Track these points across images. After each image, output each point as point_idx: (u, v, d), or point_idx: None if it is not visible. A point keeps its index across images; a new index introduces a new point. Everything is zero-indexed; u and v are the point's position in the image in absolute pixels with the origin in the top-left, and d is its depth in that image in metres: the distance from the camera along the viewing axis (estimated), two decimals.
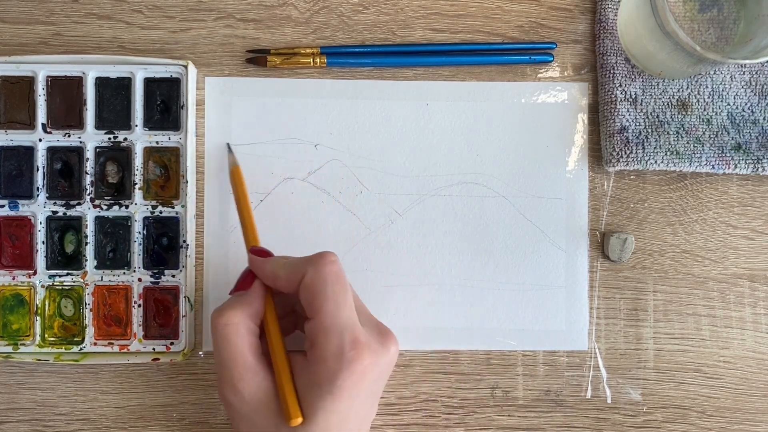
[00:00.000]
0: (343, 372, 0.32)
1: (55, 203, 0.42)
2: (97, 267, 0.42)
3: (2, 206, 0.42)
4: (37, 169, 0.42)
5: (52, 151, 0.42)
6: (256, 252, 0.37)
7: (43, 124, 0.42)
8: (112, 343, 0.42)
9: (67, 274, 0.42)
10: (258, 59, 0.43)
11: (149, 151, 0.42)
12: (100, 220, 0.42)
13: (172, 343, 0.42)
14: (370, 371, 0.33)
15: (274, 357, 0.34)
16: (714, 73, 0.43)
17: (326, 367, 0.32)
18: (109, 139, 0.42)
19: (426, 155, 0.44)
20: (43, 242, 0.42)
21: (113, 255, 0.42)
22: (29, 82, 0.42)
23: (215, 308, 0.35)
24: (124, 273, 0.42)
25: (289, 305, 0.38)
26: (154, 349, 0.41)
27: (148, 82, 0.42)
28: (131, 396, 0.42)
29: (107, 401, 0.42)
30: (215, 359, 0.35)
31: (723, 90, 0.43)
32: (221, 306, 0.35)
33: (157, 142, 0.42)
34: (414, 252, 0.43)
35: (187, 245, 0.42)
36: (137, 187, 0.42)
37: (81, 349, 0.41)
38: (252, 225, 0.39)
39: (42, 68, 0.42)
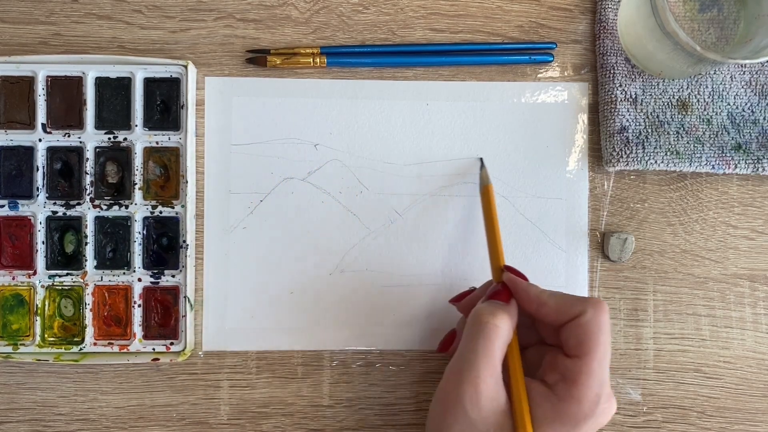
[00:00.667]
0: (590, 419, 0.33)
1: (55, 203, 0.42)
2: (97, 267, 0.42)
3: (2, 206, 0.42)
4: (37, 169, 0.42)
5: (52, 151, 0.42)
6: (513, 271, 0.38)
7: (43, 124, 0.42)
8: (112, 343, 0.42)
9: (67, 274, 0.42)
10: (258, 59, 0.43)
11: (149, 151, 0.42)
12: (100, 220, 0.42)
13: (172, 343, 0.42)
14: (603, 425, 0.34)
15: (515, 378, 0.34)
16: (714, 73, 0.43)
17: (578, 409, 0.33)
18: (109, 139, 0.42)
19: (426, 155, 0.44)
20: (43, 242, 0.42)
21: (113, 255, 0.42)
22: (29, 82, 0.42)
23: (482, 305, 0.36)
24: (124, 273, 0.42)
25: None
26: (154, 349, 0.41)
27: (148, 82, 0.42)
28: (131, 396, 0.42)
29: (107, 401, 0.42)
30: (464, 353, 0.34)
31: (723, 90, 0.43)
32: (490, 306, 0.35)
33: (157, 142, 0.42)
34: (414, 252, 0.43)
35: (187, 245, 0.42)
36: (137, 187, 0.42)
37: (81, 349, 0.41)
38: (500, 242, 0.39)
39: (42, 68, 0.42)
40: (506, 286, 0.37)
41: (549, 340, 0.37)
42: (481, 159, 0.43)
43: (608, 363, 0.34)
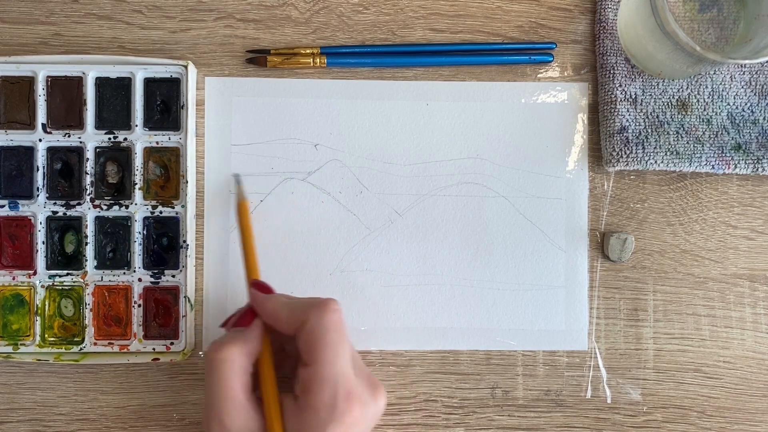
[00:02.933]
0: (332, 423, 0.32)
1: (55, 203, 0.42)
2: (97, 267, 0.42)
3: (2, 206, 0.42)
4: (37, 169, 0.42)
5: (52, 151, 0.42)
6: (257, 286, 0.37)
7: (43, 124, 0.42)
8: (112, 343, 0.42)
9: (67, 274, 0.42)
10: (258, 59, 0.43)
11: (149, 151, 0.42)
12: (100, 220, 0.42)
13: (172, 343, 0.42)
14: (359, 423, 0.33)
15: (267, 398, 0.34)
16: (714, 73, 0.43)
17: (317, 417, 0.32)
18: (109, 139, 0.42)
19: (426, 155, 0.44)
20: (43, 242, 0.42)
21: (113, 255, 0.42)
22: (29, 82, 0.42)
23: (213, 342, 0.35)
24: (124, 273, 0.42)
25: (279, 342, 0.37)
26: (154, 349, 0.41)
27: (148, 82, 0.42)
28: (131, 396, 0.42)
29: (107, 401, 0.42)
30: (205, 392, 0.34)
31: (723, 90, 0.43)
32: (219, 340, 0.35)
33: (157, 142, 0.42)
34: (414, 252, 0.43)
35: (187, 245, 0.42)
36: (137, 187, 0.42)
37: (81, 349, 0.41)
38: (254, 258, 0.39)
39: (42, 68, 0.42)
40: (251, 307, 0.37)
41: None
42: (237, 175, 0.43)
43: (345, 361, 0.33)
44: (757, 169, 0.42)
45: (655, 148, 0.42)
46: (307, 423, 0.32)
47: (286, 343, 0.37)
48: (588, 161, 0.44)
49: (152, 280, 0.42)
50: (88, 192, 0.42)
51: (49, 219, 0.42)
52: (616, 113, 0.43)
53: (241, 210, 0.41)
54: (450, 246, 0.43)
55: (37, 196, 0.42)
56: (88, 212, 0.42)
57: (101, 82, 0.42)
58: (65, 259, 0.42)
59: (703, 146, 0.42)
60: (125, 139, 0.42)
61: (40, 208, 0.42)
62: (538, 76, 0.44)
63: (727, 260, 0.44)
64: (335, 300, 0.35)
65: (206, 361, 0.34)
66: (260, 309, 0.36)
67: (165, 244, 0.42)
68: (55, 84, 0.42)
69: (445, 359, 0.43)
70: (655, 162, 0.42)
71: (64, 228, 0.42)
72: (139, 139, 0.42)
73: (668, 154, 0.42)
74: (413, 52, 0.43)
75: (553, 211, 0.44)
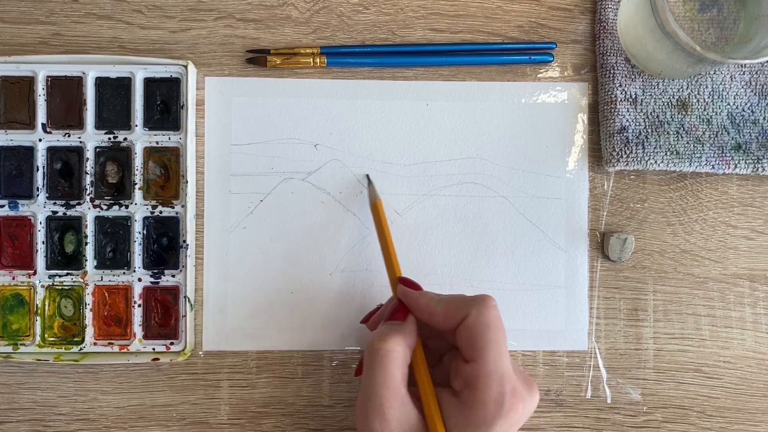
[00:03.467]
0: (500, 419, 0.32)
1: (55, 203, 0.42)
2: (97, 267, 0.42)
3: (2, 206, 0.42)
4: (37, 169, 0.42)
5: (52, 151, 0.42)
6: (406, 282, 0.37)
7: (43, 124, 0.42)
8: (112, 343, 0.42)
9: (67, 274, 0.42)
10: (258, 59, 0.43)
11: (149, 151, 0.42)
12: (100, 220, 0.42)
13: (172, 343, 0.42)
14: (521, 418, 0.33)
15: (424, 392, 0.34)
16: (714, 73, 0.43)
17: (485, 412, 0.32)
18: (109, 139, 0.42)
19: (426, 155, 0.44)
20: (43, 242, 0.42)
21: (113, 255, 0.42)
22: (29, 82, 0.42)
23: (376, 332, 0.35)
24: (124, 273, 0.42)
25: (422, 338, 0.37)
26: (154, 349, 0.41)
27: (148, 82, 0.42)
28: (131, 396, 0.42)
29: (107, 401, 0.42)
30: (366, 383, 0.34)
31: (723, 90, 0.43)
32: (382, 331, 0.35)
33: (157, 142, 0.42)
34: (414, 252, 0.43)
35: (187, 245, 0.42)
36: (137, 187, 0.42)
37: (81, 349, 0.41)
38: (395, 256, 0.39)
39: (42, 68, 0.42)
40: (402, 302, 0.37)
41: (455, 345, 0.36)
42: (368, 176, 0.43)
43: (506, 357, 0.33)
44: (757, 169, 0.42)
45: (655, 148, 0.42)
46: (473, 418, 0.33)
47: (428, 339, 0.37)
48: (588, 161, 0.44)
49: (152, 280, 0.42)
50: (88, 192, 0.42)
51: (49, 219, 0.42)
52: (616, 113, 0.43)
53: (377, 209, 0.41)
54: (450, 246, 0.43)
55: (37, 196, 0.42)
56: (88, 212, 0.42)
57: (101, 82, 0.42)
58: (65, 259, 0.42)
59: (703, 146, 0.42)
60: (125, 139, 0.42)
61: (40, 208, 0.42)
62: (538, 76, 0.44)
63: (727, 260, 0.44)
64: (491, 296, 0.35)
65: (370, 352, 0.34)
66: (413, 305, 0.36)
67: (165, 244, 0.42)
68: (55, 84, 0.42)
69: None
70: (655, 162, 0.42)
71: (64, 228, 0.42)
72: (139, 139, 0.42)
73: (668, 154, 0.42)
74: (413, 52, 0.43)
75: (553, 211, 0.44)
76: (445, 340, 0.37)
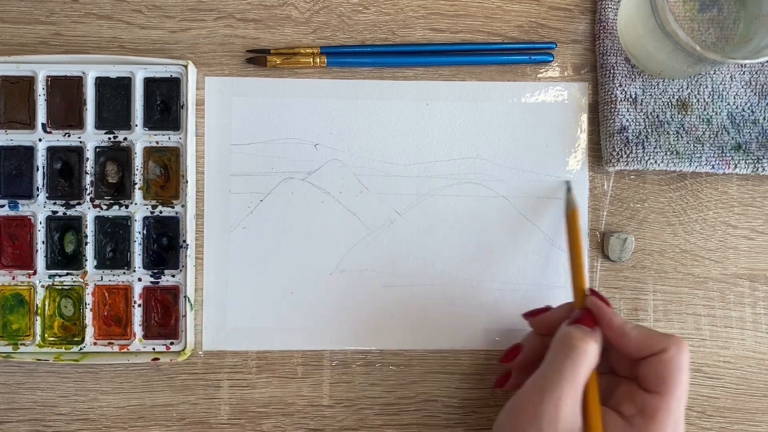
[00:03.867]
0: None
1: (55, 203, 0.42)
2: (97, 267, 0.42)
3: (2, 206, 0.42)
4: (37, 169, 0.42)
5: (52, 151, 0.42)
6: (598, 296, 0.38)
7: (43, 124, 0.42)
8: (112, 343, 0.42)
9: (67, 274, 0.42)
10: (258, 59, 0.43)
11: (149, 151, 0.42)
12: (100, 220, 0.42)
13: (172, 343, 0.42)
14: None
15: (592, 406, 0.34)
16: (714, 73, 0.43)
17: None
18: (109, 139, 0.42)
19: (426, 155, 0.44)
20: (43, 242, 0.42)
21: (113, 255, 0.42)
22: (29, 82, 0.42)
23: (572, 327, 0.36)
24: (124, 273, 0.42)
25: None
26: (154, 349, 0.41)
27: (148, 82, 0.42)
28: (131, 396, 0.42)
29: (107, 401, 0.42)
30: (549, 372, 0.34)
31: (723, 90, 0.43)
32: (579, 330, 0.35)
33: (157, 142, 0.42)
34: (414, 252, 0.43)
35: (187, 245, 0.42)
36: (137, 187, 0.42)
37: (81, 349, 0.41)
38: (583, 266, 0.39)
39: (42, 68, 0.42)
40: (590, 311, 0.37)
41: (621, 372, 0.37)
42: (568, 182, 0.43)
43: (685, 404, 0.34)
44: (757, 169, 0.42)
45: (655, 148, 0.42)
46: None
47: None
48: (588, 161, 0.44)
49: (152, 280, 0.42)
50: (88, 192, 0.42)
51: (49, 219, 0.42)
52: (616, 113, 0.43)
53: (573, 218, 0.41)
54: (450, 246, 0.43)
55: (37, 195, 0.42)
56: (88, 212, 0.42)
57: (101, 82, 0.42)
58: (65, 258, 0.42)
59: (703, 146, 0.42)
60: (125, 138, 0.42)
61: (40, 208, 0.42)
62: (538, 76, 0.44)
63: (727, 260, 0.44)
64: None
65: (566, 343, 0.35)
66: (605, 320, 0.36)
67: (165, 244, 0.42)
68: (55, 84, 0.42)
69: (445, 359, 0.43)
70: (655, 162, 0.42)
71: (64, 228, 0.42)
72: (139, 138, 0.42)
73: (668, 154, 0.42)
74: (413, 52, 0.43)
75: (553, 211, 0.44)
76: (604, 362, 0.37)
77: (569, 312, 0.38)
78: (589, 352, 0.34)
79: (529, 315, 0.41)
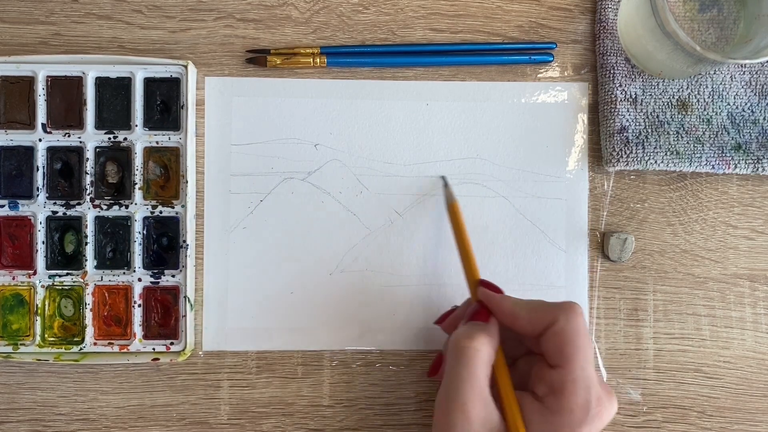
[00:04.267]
0: (585, 426, 0.33)
1: (55, 203, 0.42)
2: (97, 267, 0.42)
3: (2, 206, 0.42)
4: (37, 169, 0.42)
5: (52, 151, 0.42)
6: (487, 285, 0.37)
7: (43, 124, 0.42)
8: (112, 343, 0.42)
9: (67, 274, 0.42)
10: (258, 59, 0.43)
11: (149, 151, 0.42)
12: (100, 220, 0.42)
13: (172, 343, 0.42)
14: (602, 427, 0.34)
15: (506, 395, 0.34)
16: (714, 73, 0.43)
17: (571, 419, 0.33)
18: (109, 139, 0.42)
19: (426, 155, 0.44)
20: (43, 242, 0.42)
21: (113, 255, 0.42)
22: (29, 82, 0.42)
23: (461, 330, 0.35)
24: (124, 273, 0.42)
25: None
26: (154, 349, 0.41)
27: (148, 82, 0.42)
28: (131, 396, 0.42)
29: (107, 401, 0.42)
30: (449, 380, 0.34)
31: (723, 90, 0.43)
32: (468, 330, 0.35)
33: (157, 142, 0.42)
34: (414, 252, 0.43)
35: (187, 245, 0.42)
36: (137, 187, 0.42)
37: (81, 349, 0.41)
38: (473, 258, 0.39)
39: (42, 68, 0.42)
40: (483, 304, 0.37)
41: (535, 350, 0.37)
42: (444, 177, 0.43)
43: (592, 365, 0.34)
44: (757, 169, 0.42)
45: (655, 148, 0.42)
46: (558, 424, 0.33)
47: (501, 342, 0.37)
48: (588, 161, 0.44)
49: (152, 280, 0.42)
50: (88, 192, 0.42)
51: (49, 219, 0.42)
52: (616, 113, 0.43)
53: (454, 211, 0.41)
54: (450, 246, 0.43)
55: (37, 196, 0.42)
56: (88, 212, 0.42)
57: (101, 82, 0.42)
58: (65, 259, 0.42)
59: (703, 146, 0.42)
60: (125, 139, 0.42)
61: (40, 208, 0.42)
62: (538, 76, 0.44)
63: (727, 260, 0.44)
64: (578, 303, 0.35)
65: (456, 349, 0.34)
66: (495, 307, 0.36)
67: (165, 244, 0.42)
68: (55, 84, 0.42)
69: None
70: (655, 162, 0.42)
71: (64, 228, 0.42)
72: (139, 139, 0.42)
73: (668, 154, 0.42)
74: (413, 52, 0.43)
75: (553, 211, 0.44)
76: (520, 344, 0.38)
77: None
78: (479, 350, 0.34)
79: (440, 320, 0.40)
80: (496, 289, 0.37)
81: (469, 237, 0.40)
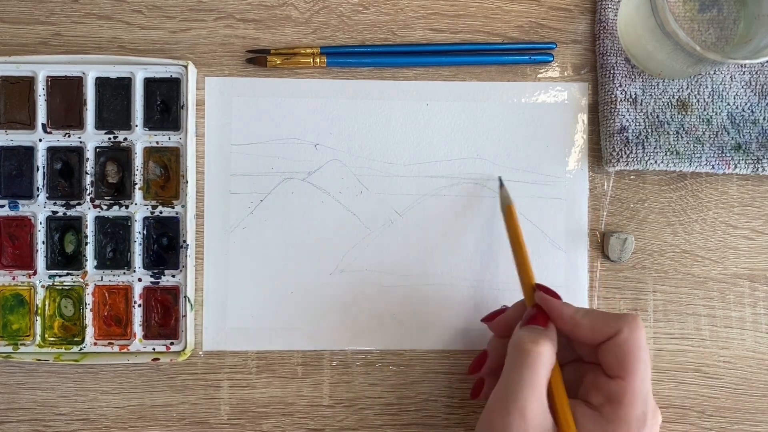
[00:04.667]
0: None
1: (55, 203, 0.42)
2: (97, 267, 0.42)
3: (2, 206, 0.42)
4: (37, 169, 0.42)
5: (52, 151, 0.42)
6: (546, 291, 0.37)
7: (43, 124, 0.42)
8: (112, 343, 0.42)
9: (67, 274, 0.42)
10: (258, 59, 0.43)
11: (149, 151, 0.42)
12: (100, 220, 0.42)
13: (172, 343, 0.42)
14: None
15: (560, 402, 0.34)
16: (714, 73, 0.43)
17: (627, 429, 0.33)
18: (109, 139, 0.42)
19: (426, 155, 0.44)
20: (43, 242, 0.42)
21: (113, 255, 0.42)
22: (29, 82, 0.42)
23: (523, 332, 0.35)
24: (124, 273, 0.42)
25: None
26: (154, 349, 0.41)
27: (148, 82, 0.42)
28: (131, 396, 0.42)
29: (107, 401, 0.42)
30: (509, 382, 0.34)
31: (723, 90, 0.43)
32: (532, 333, 0.35)
33: (157, 142, 0.42)
34: (414, 252, 0.43)
35: (187, 245, 0.42)
36: (137, 187, 0.42)
37: (81, 349, 0.41)
38: (529, 262, 0.38)
39: (42, 68, 0.42)
40: (542, 308, 0.36)
41: (587, 358, 0.37)
42: (500, 178, 0.43)
43: (650, 378, 0.34)
44: (757, 169, 0.42)
45: (655, 148, 0.42)
46: None
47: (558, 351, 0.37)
48: (588, 161, 0.44)
49: (152, 280, 0.42)
50: (88, 192, 0.42)
51: (49, 219, 0.42)
52: (616, 113, 0.43)
53: (510, 213, 0.40)
54: (450, 246, 0.43)
55: (37, 196, 0.42)
56: (88, 212, 0.42)
57: (101, 82, 0.42)
58: (65, 259, 0.42)
59: (703, 146, 0.42)
60: (125, 139, 0.42)
61: (40, 208, 0.42)
62: (538, 76, 0.44)
63: (727, 260, 0.44)
64: (639, 315, 0.35)
65: (519, 351, 0.34)
66: (555, 313, 0.36)
67: (165, 244, 0.42)
68: (55, 84, 0.42)
69: (445, 359, 0.43)
70: (655, 162, 0.42)
71: (64, 228, 0.42)
72: (139, 139, 0.42)
73: (668, 154, 0.42)
74: (413, 52, 0.43)
75: (553, 211, 0.44)
76: (569, 351, 0.38)
77: (523, 310, 0.38)
78: (543, 354, 0.34)
79: (487, 319, 0.40)
80: (555, 295, 0.37)
81: (524, 241, 0.39)
